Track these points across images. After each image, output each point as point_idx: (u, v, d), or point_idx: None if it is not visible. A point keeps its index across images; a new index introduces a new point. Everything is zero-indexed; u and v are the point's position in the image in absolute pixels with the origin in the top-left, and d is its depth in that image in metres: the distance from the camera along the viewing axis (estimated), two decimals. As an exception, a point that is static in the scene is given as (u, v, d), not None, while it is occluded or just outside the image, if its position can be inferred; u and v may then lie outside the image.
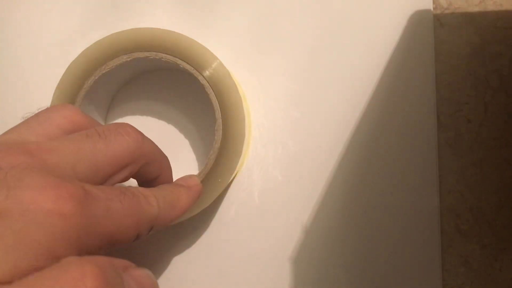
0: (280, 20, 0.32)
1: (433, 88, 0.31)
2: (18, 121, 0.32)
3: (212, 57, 0.28)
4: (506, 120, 0.31)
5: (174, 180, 0.27)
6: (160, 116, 0.32)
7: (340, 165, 0.31)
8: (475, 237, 0.30)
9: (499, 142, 0.31)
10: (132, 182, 0.25)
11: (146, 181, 0.25)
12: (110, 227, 0.18)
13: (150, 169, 0.24)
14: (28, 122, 0.21)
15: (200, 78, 0.28)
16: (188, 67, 0.28)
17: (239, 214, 0.31)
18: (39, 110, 0.22)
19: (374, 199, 0.31)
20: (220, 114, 0.28)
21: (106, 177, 0.20)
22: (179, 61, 0.28)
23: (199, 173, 0.28)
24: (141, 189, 0.21)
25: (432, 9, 0.31)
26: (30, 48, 0.32)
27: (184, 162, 0.32)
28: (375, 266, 0.30)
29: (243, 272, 0.31)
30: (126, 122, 0.23)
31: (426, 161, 0.30)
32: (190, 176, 0.27)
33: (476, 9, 0.31)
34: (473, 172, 0.31)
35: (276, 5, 0.32)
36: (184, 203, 0.24)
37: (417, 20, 0.31)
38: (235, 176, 0.29)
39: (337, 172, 0.31)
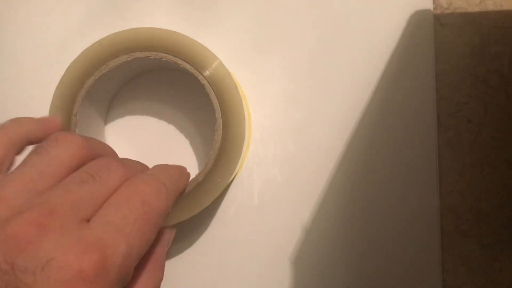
0: (280, 20, 0.32)
1: (433, 88, 0.31)
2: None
3: (212, 57, 0.28)
4: (506, 120, 0.31)
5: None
6: (160, 116, 0.32)
7: (340, 165, 0.31)
8: (475, 237, 0.30)
9: (499, 142, 0.31)
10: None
11: None
12: (131, 262, 0.19)
13: None
14: (39, 162, 0.21)
15: (200, 78, 0.28)
16: (188, 66, 0.28)
17: (239, 214, 0.31)
18: (47, 140, 0.21)
19: (374, 199, 0.31)
20: (220, 114, 0.28)
21: None
22: (179, 61, 0.28)
23: (199, 173, 0.28)
24: (147, 179, 0.21)
25: (432, 9, 0.31)
26: (30, 48, 0.32)
27: (184, 162, 0.32)
28: (375, 266, 0.30)
29: (243, 272, 0.31)
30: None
31: (426, 161, 0.30)
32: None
33: (476, 9, 0.31)
34: (473, 172, 0.31)
35: (276, 5, 0.32)
36: (186, 176, 0.25)
37: (417, 20, 0.31)
38: (235, 176, 0.29)
39: (337, 172, 0.31)
